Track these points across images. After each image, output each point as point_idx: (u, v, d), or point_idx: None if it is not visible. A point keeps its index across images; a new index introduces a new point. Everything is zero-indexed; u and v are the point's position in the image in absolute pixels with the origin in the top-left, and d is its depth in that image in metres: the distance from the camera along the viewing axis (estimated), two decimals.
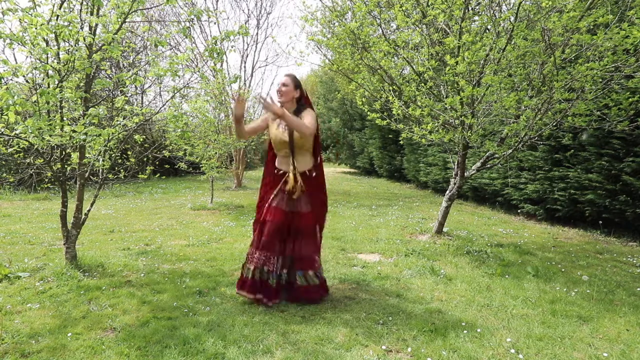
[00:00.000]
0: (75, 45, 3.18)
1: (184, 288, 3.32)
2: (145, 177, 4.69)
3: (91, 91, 3.60)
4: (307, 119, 2.88)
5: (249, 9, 26.79)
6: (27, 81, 3.36)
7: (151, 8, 10.77)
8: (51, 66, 3.04)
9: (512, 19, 3.93)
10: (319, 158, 3.12)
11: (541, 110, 4.13)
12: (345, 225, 6.00)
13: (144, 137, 8.33)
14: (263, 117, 3.15)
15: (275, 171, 3.06)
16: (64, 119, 3.35)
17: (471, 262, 4.14)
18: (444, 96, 4.94)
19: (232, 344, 2.41)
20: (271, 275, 2.95)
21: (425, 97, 4.72)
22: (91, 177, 3.86)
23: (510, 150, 4.50)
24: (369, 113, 5.55)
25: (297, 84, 2.96)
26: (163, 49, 8.57)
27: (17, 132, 2.80)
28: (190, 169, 8.55)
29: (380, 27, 5.19)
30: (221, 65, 11.47)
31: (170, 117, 3.54)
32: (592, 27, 4.02)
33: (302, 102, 3.02)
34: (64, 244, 3.66)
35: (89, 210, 3.77)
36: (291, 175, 2.94)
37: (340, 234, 5.29)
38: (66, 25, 2.91)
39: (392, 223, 6.20)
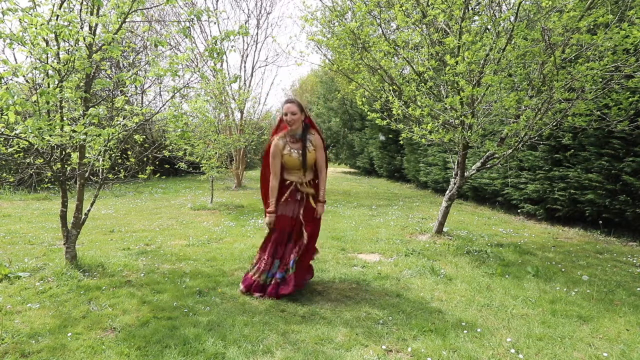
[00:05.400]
0: (75, 45, 3.18)
1: (184, 288, 3.32)
2: (145, 177, 4.69)
3: (91, 91, 3.60)
4: (322, 156, 3.27)
5: (249, 9, 26.80)
6: (27, 81, 3.36)
7: (151, 8, 10.77)
8: (51, 66, 3.04)
9: (512, 18, 3.93)
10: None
11: (541, 110, 4.13)
12: (345, 225, 6.00)
13: (144, 137, 8.33)
14: (277, 156, 3.19)
15: (286, 183, 3.26)
16: (64, 119, 3.35)
17: (471, 262, 4.14)
18: (444, 96, 4.94)
19: (232, 344, 2.41)
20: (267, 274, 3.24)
21: (425, 97, 4.72)
22: (91, 177, 3.86)
23: (510, 150, 4.50)
24: (369, 113, 5.54)
25: (301, 108, 3.17)
26: (163, 49, 8.57)
27: (17, 132, 2.80)
28: (190, 169, 8.55)
29: (380, 27, 5.19)
30: (221, 65, 11.48)
31: (170, 117, 3.54)
32: (592, 27, 4.02)
33: (306, 122, 3.25)
34: (64, 244, 3.66)
35: (89, 210, 3.76)
36: (305, 186, 3.26)
37: (340, 234, 5.29)
38: (66, 25, 2.91)
39: (392, 223, 6.20)
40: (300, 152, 3.15)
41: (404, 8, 4.72)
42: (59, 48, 3.13)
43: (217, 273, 3.72)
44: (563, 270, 3.98)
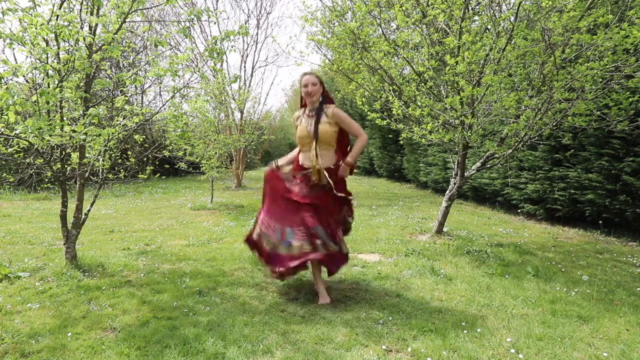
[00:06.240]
0: (75, 45, 3.18)
1: (184, 288, 3.32)
2: (145, 177, 4.69)
3: (91, 91, 3.60)
4: (354, 126, 3.07)
5: (249, 9, 26.83)
6: (27, 81, 3.36)
7: (151, 8, 10.78)
8: (51, 66, 3.04)
9: (512, 18, 3.93)
10: (344, 154, 3.14)
11: (541, 110, 4.13)
12: None
13: (144, 137, 8.33)
14: (294, 127, 3.24)
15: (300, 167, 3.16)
16: (64, 119, 3.35)
17: (471, 262, 4.14)
18: (444, 96, 4.94)
19: (232, 344, 2.41)
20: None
21: (425, 97, 4.72)
22: (91, 177, 3.86)
23: (510, 150, 4.50)
24: (369, 113, 5.54)
25: (320, 81, 3.13)
26: (163, 49, 8.58)
27: (17, 132, 2.80)
28: (190, 169, 8.55)
29: (380, 27, 5.19)
30: (221, 65, 11.48)
31: (170, 117, 3.54)
32: (592, 26, 4.02)
33: (324, 95, 3.14)
34: (64, 244, 3.66)
35: (89, 210, 3.77)
36: (315, 167, 2.98)
37: None
38: (66, 25, 2.91)
39: (392, 223, 6.20)
40: (310, 121, 3.02)
41: (404, 8, 4.72)
42: (59, 48, 3.13)
43: (217, 273, 3.72)
44: (563, 270, 3.98)
